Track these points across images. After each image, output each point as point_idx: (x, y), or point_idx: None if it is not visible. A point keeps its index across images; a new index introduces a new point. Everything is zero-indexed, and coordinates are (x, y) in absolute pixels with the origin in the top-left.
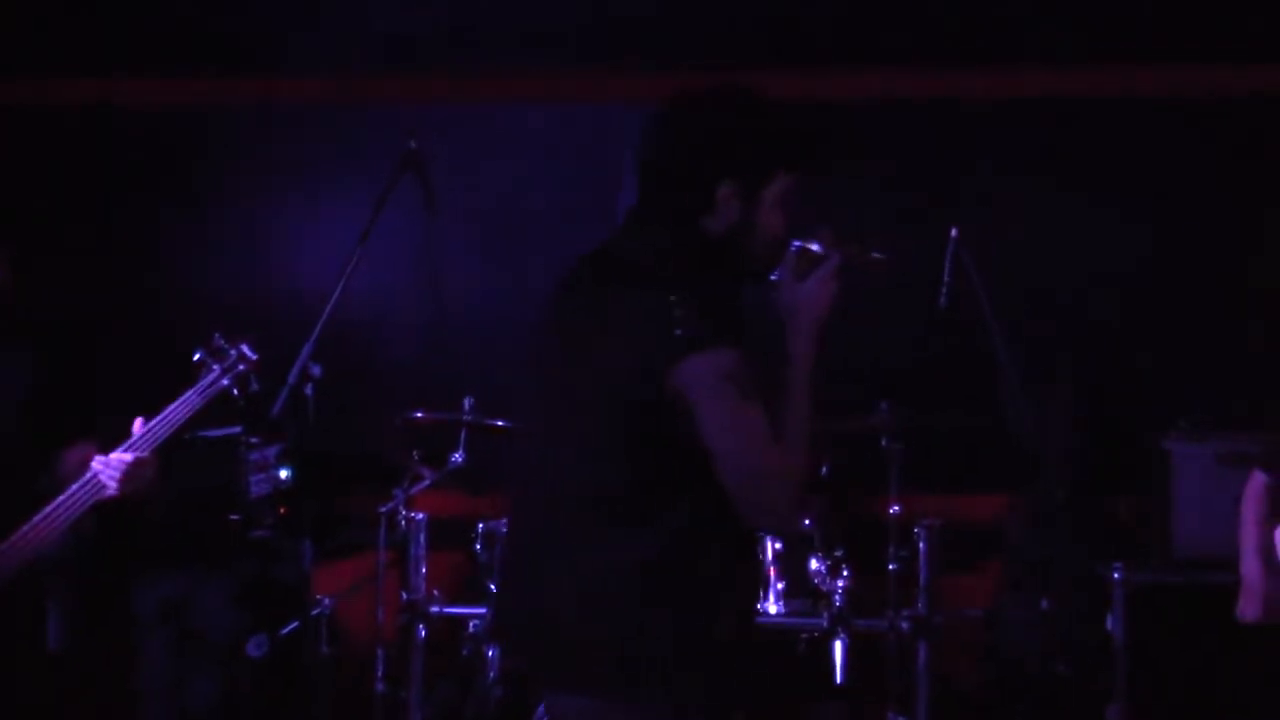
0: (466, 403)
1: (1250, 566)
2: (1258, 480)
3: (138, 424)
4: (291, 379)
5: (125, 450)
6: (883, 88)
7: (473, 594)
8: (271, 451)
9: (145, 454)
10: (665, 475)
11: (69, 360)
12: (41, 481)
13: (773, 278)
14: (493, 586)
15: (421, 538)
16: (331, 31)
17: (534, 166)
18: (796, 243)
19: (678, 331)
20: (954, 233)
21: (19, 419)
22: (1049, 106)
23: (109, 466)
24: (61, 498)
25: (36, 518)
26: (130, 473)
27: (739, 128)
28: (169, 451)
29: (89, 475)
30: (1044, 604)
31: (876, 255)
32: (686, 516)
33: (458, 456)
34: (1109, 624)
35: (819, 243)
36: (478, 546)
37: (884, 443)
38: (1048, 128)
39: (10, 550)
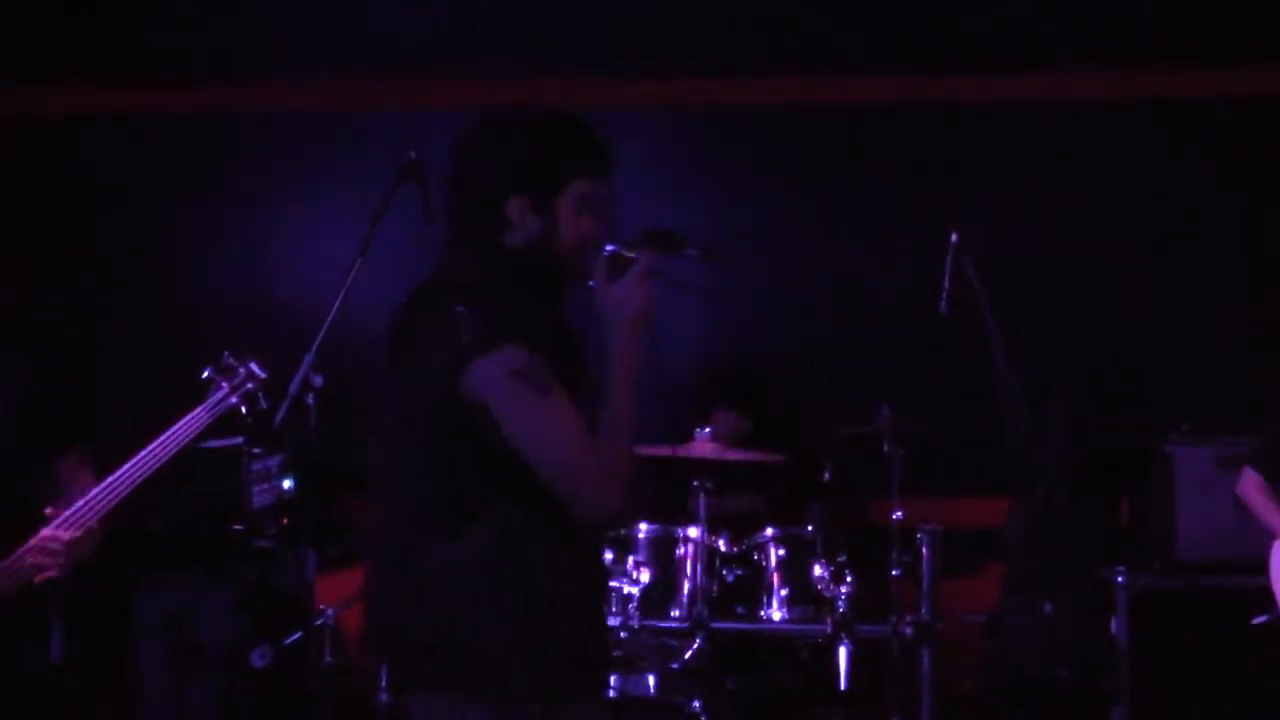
0: None
1: None
2: (1251, 476)
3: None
4: (293, 389)
5: (57, 526)
6: (883, 92)
7: None
8: (274, 462)
9: (81, 530)
10: (481, 479)
11: (63, 367)
12: (39, 489)
13: (591, 284)
14: None
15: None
16: (332, 37)
17: None
18: (610, 247)
19: (464, 338)
20: (954, 238)
21: (14, 425)
22: (1051, 110)
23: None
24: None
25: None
26: (66, 550)
27: (517, 144)
28: (174, 463)
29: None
30: (1047, 608)
31: (692, 253)
32: (507, 516)
33: None
34: (1112, 628)
35: (630, 245)
36: None
37: (885, 448)
38: (1049, 131)
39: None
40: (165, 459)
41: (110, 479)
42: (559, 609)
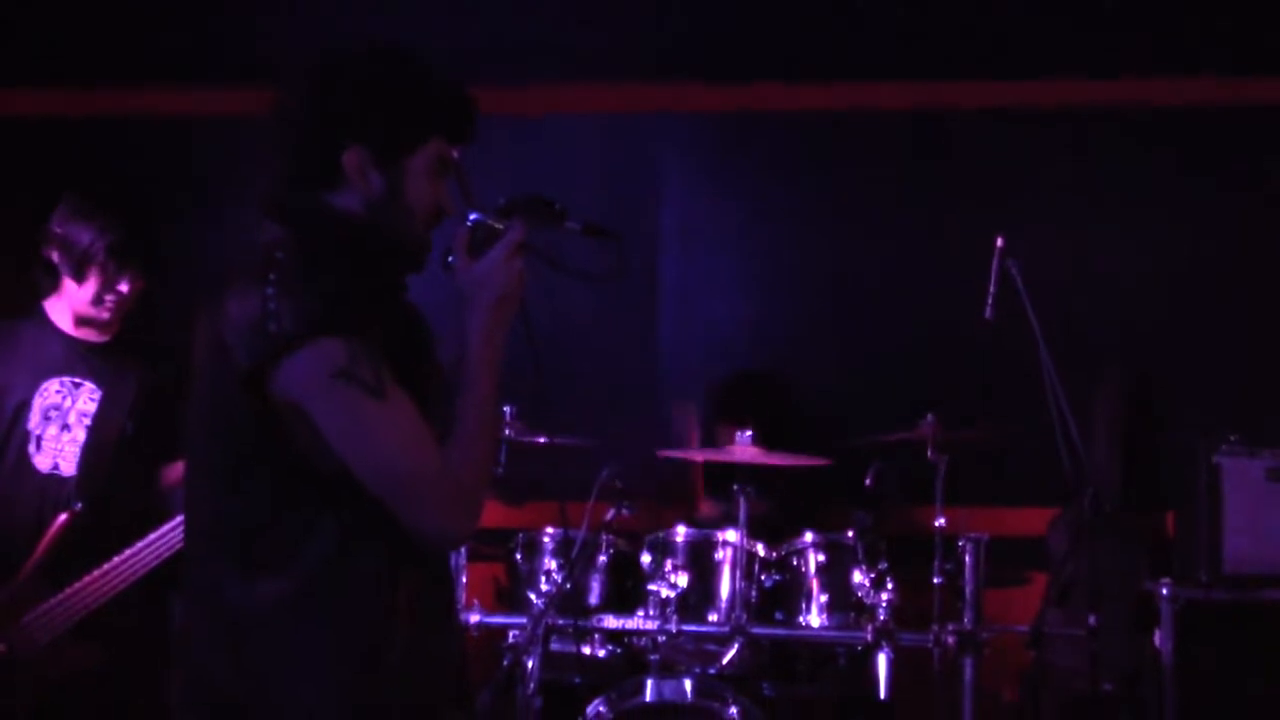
0: (506, 412)
1: None
2: None
3: None
4: None
5: None
6: (927, 97)
7: (512, 604)
8: None
9: None
10: (300, 499)
11: (173, 380)
12: (143, 495)
13: (450, 259)
14: (532, 596)
15: (461, 548)
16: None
17: (576, 175)
18: (474, 215)
19: (272, 328)
20: (1000, 242)
21: (130, 431)
22: (1099, 116)
23: None
24: (149, 539)
25: (120, 557)
26: None
27: (370, 83)
28: None
29: (174, 522)
30: (1090, 620)
31: (572, 226)
32: (333, 544)
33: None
34: (1156, 640)
35: (498, 215)
36: (517, 556)
37: (929, 455)
38: (1095, 137)
39: (91, 588)
40: None
41: None
42: (398, 653)
